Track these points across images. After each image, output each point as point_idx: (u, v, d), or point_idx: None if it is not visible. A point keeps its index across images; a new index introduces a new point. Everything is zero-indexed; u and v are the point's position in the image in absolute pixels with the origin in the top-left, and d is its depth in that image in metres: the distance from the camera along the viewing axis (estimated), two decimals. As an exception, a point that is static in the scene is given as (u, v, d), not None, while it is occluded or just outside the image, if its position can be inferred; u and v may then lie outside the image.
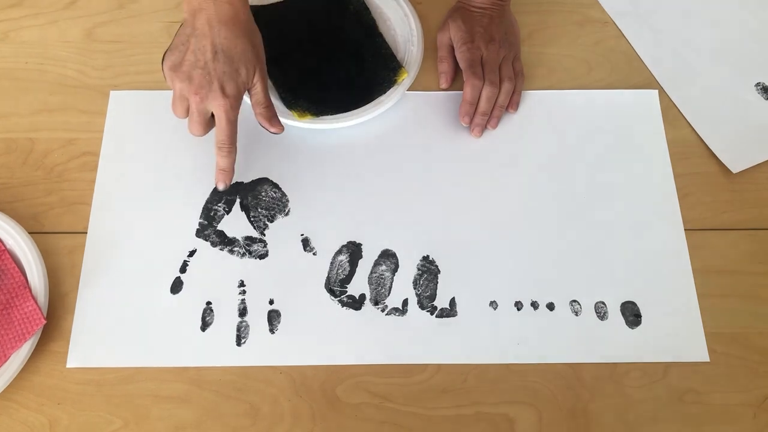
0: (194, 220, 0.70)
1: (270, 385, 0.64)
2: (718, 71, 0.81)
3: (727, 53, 0.82)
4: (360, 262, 0.69)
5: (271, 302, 0.67)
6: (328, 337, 0.66)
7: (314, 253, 0.69)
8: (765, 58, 0.82)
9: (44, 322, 0.63)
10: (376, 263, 0.69)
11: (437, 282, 0.68)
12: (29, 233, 0.67)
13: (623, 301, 0.68)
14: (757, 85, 0.80)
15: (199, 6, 0.61)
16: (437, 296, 0.68)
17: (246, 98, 0.67)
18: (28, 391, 0.63)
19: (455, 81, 0.79)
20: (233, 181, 0.71)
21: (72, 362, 0.64)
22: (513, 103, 0.77)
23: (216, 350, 0.65)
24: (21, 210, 0.70)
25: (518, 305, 0.67)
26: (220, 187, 0.69)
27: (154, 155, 0.73)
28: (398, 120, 0.77)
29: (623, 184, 0.74)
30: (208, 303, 0.66)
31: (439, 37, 0.80)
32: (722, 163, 0.75)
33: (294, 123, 0.73)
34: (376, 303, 0.67)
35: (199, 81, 0.61)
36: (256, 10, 0.79)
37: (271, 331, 0.66)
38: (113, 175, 0.72)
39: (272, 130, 0.67)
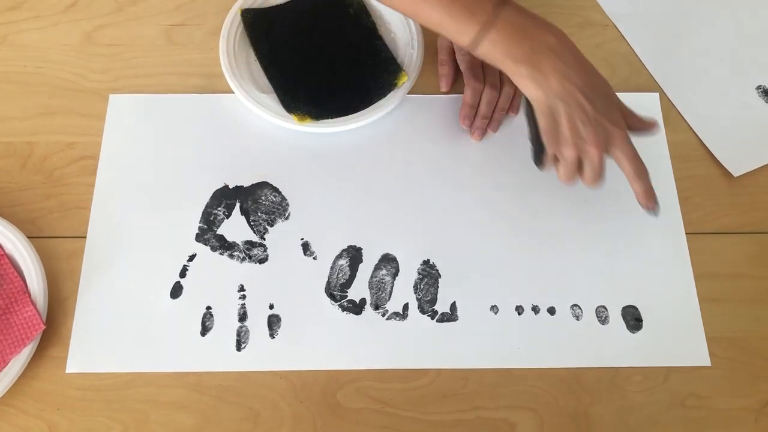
0: (194, 225, 0.70)
1: (270, 390, 0.63)
2: (719, 74, 0.81)
3: (728, 56, 0.82)
4: (360, 266, 0.69)
5: (271, 307, 0.67)
6: (329, 342, 0.65)
7: (314, 258, 0.69)
8: (766, 62, 0.82)
9: (43, 327, 0.62)
10: (377, 267, 0.69)
11: (438, 286, 0.68)
12: (28, 238, 0.67)
13: (624, 306, 0.68)
14: (758, 88, 0.80)
15: (545, 75, 0.59)
16: (438, 301, 0.68)
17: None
18: (27, 397, 0.62)
19: (457, 84, 0.79)
20: (234, 185, 0.71)
21: (71, 367, 0.63)
22: (514, 107, 0.77)
23: (216, 355, 0.64)
24: (20, 214, 0.70)
25: (519, 310, 0.67)
26: (652, 207, 0.65)
27: (154, 159, 0.73)
28: (398, 123, 0.76)
29: (624, 188, 0.73)
30: (208, 308, 0.66)
31: (440, 41, 0.80)
32: (723, 166, 0.75)
33: (294, 127, 0.73)
34: (376, 307, 0.67)
35: (593, 132, 0.60)
36: (256, 13, 0.80)
37: (272, 335, 0.65)
38: (112, 179, 0.72)
39: (653, 129, 0.68)
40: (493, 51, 0.59)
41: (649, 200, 0.64)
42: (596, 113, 0.59)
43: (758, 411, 0.64)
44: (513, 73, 0.60)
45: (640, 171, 0.63)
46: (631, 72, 0.81)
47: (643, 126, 0.67)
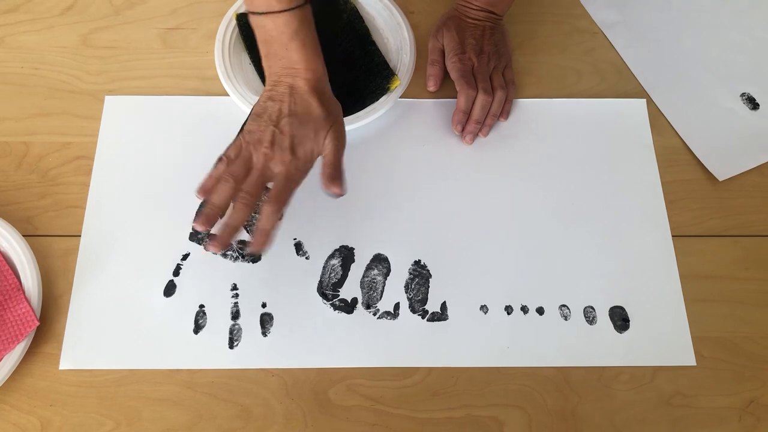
0: (187, 224, 0.70)
1: (262, 388, 0.64)
2: (705, 81, 0.83)
3: (714, 64, 0.84)
4: (352, 266, 0.70)
5: (264, 305, 0.67)
6: (320, 340, 0.66)
7: (307, 257, 0.70)
8: (750, 69, 0.84)
9: (37, 324, 0.63)
10: (368, 267, 0.70)
11: (428, 286, 0.69)
12: (23, 236, 0.67)
13: (611, 306, 0.69)
14: (743, 95, 0.82)
15: (279, 78, 0.63)
16: (428, 300, 0.68)
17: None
18: (20, 393, 0.63)
19: (447, 88, 0.80)
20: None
21: (64, 364, 0.64)
22: (504, 112, 0.78)
23: (208, 353, 0.65)
24: (15, 213, 0.70)
25: (508, 309, 0.68)
26: (255, 248, 0.61)
27: (148, 159, 0.74)
28: (390, 127, 0.78)
29: (612, 191, 0.75)
30: (201, 306, 0.67)
31: (431, 42, 0.81)
32: (708, 170, 0.76)
33: (287, 129, 0.74)
34: (368, 307, 0.68)
35: (270, 139, 0.61)
36: (251, 18, 0.81)
37: (264, 334, 0.66)
38: (107, 179, 0.73)
39: (333, 189, 0.64)
40: (263, 31, 0.63)
41: (260, 237, 0.61)
42: (288, 128, 0.62)
43: (742, 410, 0.65)
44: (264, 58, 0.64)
45: (274, 204, 0.61)
46: (620, 79, 0.82)
47: (327, 180, 0.64)
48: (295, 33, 0.62)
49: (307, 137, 0.62)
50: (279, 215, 0.62)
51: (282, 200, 0.62)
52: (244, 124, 0.64)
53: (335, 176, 0.64)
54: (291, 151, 0.62)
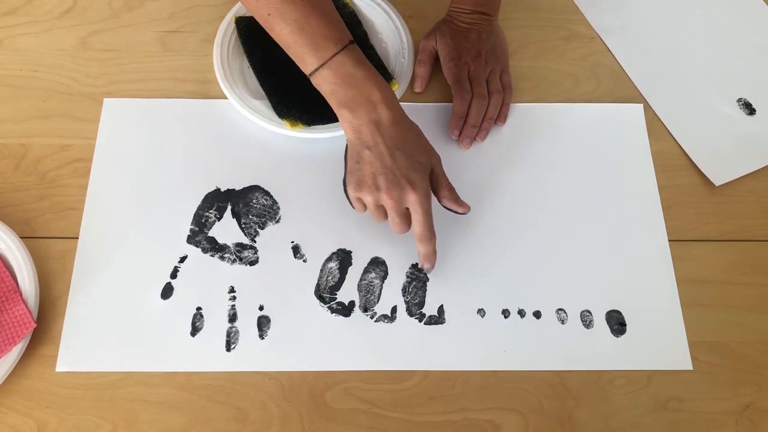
0: (185, 227, 0.71)
1: (259, 391, 0.64)
2: (702, 86, 0.83)
3: (710, 69, 0.84)
4: (349, 269, 0.70)
5: (261, 308, 0.67)
6: (317, 343, 0.66)
7: (304, 260, 0.70)
8: (746, 75, 0.84)
9: (34, 325, 0.63)
10: (366, 270, 0.70)
11: (426, 289, 0.69)
12: (21, 238, 0.67)
13: (608, 310, 0.69)
14: (739, 100, 0.82)
15: (360, 122, 0.63)
16: (426, 303, 0.68)
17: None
18: (17, 395, 0.63)
19: (445, 92, 0.80)
20: (225, 188, 0.72)
21: (61, 366, 0.64)
22: (501, 116, 0.78)
23: (205, 355, 0.65)
24: (13, 215, 0.70)
25: (505, 313, 0.68)
26: (427, 269, 0.68)
27: (146, 162, 0.74)
28: (388, 130, 0.78)
29: (609, 196, 0.75)
30: (198, 308, 0.67)
31: (423, 43, 0.81)
32: (705, 175, 0.76)
33: (286, 132, 0.74)
34: (365, 310, 0.68)
35: (387, 185, 0.62)
36: (250, 21, 0.81)
37: (261, 336, 0.66)
38: (105, 181, 0.73)
39: (460, 210, 0.68)
40: (323, 86, 0.63)
41: (426, 262, 0.67)
42: (395, 168, 0.62)
43: (738, 414, 0.65)
44: (336, 112, 0.64)
45: (425, 235, 0.65)
46: (617, 84, 0.83)
47: (452, 203, 0.68)
48: (356, 68, 0.62)
49: (417, 165, 0.64)
50: (434, 236, 0.66)
51: (429, 229, 0.65)
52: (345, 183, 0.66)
53: (457, 195, 0.68)
54: (411, 187, 0.63)
